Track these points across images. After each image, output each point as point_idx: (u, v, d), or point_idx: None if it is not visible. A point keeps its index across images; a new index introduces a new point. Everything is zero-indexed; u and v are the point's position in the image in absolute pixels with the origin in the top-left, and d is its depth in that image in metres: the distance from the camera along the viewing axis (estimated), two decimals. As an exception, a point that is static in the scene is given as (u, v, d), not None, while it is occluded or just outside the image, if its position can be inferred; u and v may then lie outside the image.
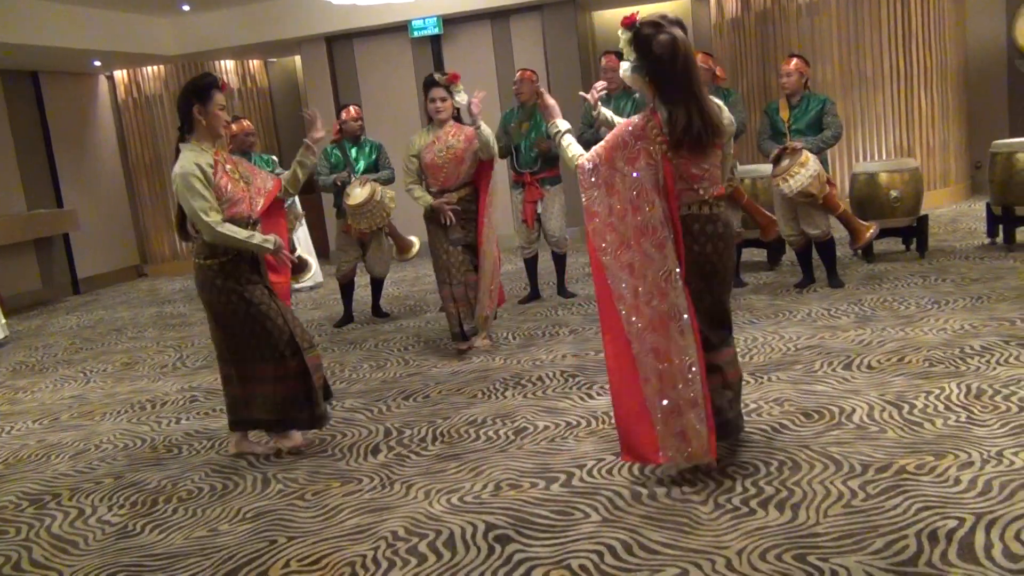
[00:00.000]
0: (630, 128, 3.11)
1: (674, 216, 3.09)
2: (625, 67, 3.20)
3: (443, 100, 5.39)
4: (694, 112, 3.05)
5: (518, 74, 6.80)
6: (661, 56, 3.04)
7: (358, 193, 6.33)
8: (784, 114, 6.16)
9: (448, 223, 5.44)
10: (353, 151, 6.67)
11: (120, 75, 11.76)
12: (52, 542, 3.34)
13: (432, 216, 5.51)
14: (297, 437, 4.09)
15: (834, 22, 9.37)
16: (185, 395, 5.37)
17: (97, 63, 10.94)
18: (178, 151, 3.80)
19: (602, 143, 3.19)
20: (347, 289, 6.98)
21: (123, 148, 12.08)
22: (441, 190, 5.47)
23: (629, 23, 3.14)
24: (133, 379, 5.99)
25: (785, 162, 5.91)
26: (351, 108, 6.88)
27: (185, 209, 3.76)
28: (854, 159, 9.40)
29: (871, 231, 6.14)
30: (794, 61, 6.14)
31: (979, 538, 2.54)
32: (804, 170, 5.78)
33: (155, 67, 11.61)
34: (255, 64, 12.22)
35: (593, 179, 3.16)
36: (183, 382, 5.71)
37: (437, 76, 5.47)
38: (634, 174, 3.08)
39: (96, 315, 9.11)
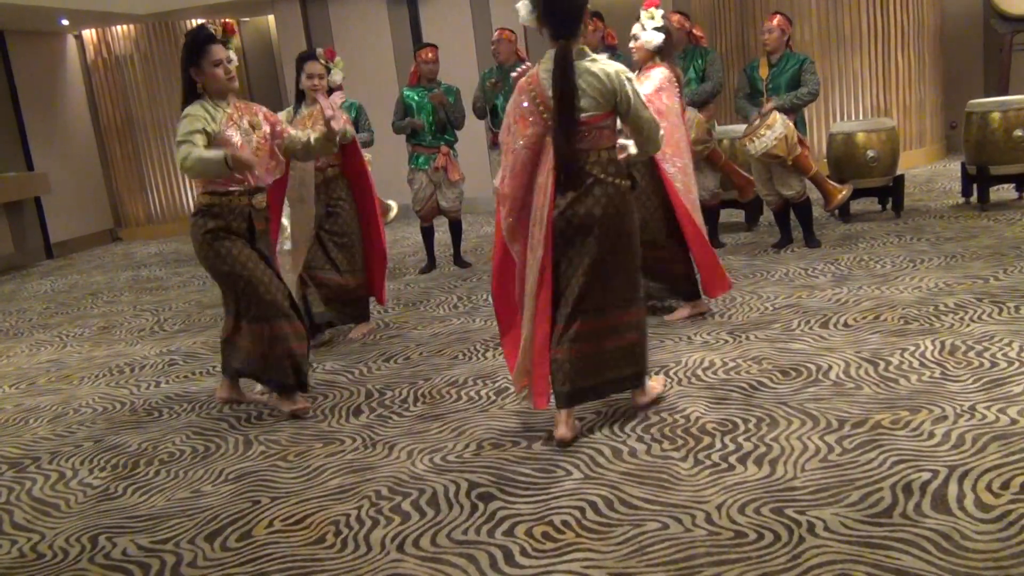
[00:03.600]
0: (666, 76, 4.65)
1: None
2: (656, 36, 4.68)
3: (320, 77, 5.02)
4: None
5: (496, 33, 6.74)
6: (671, 32, 4.79)
7: None
8: (763, 72, 6.14)
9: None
10: None
11: (88, 34, 11.51)
12: (33, 505, 3.34)
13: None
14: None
15: (812, -20, 9.33)
16: (164, 359, 5.34)
17: (65, 21, 10.69)
18: None
19: (649, 89, 4.54)
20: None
21: (94, 110, 11.86)
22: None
23: (653, 5, 4.71)
24: (110, 343, 5.94)
25: (755, 122, 5.91)
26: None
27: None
28: (831, 119, 9.42)
29: (843, 194, 6.18)
30: (776, 18, 6.11)
31: (952, 490, 2.60)
32: (770, 131, 5.78)
33: (124, 26, 11.37)
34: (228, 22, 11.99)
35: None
36: (161, 346, 5.68)
37: (318, 51, 5.10)
38: (667, 101, 4.59)
39: (70, 279, 9.01)
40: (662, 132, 3.42)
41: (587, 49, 3.30)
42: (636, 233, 3.39)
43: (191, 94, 3.76)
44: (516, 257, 3.41)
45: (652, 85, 4.58)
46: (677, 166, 4.61)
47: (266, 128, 3.91)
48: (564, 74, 3.18)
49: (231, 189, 3.77)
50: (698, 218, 4.67)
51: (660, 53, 4.73)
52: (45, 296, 8.17)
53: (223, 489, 3.28)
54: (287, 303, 3.89)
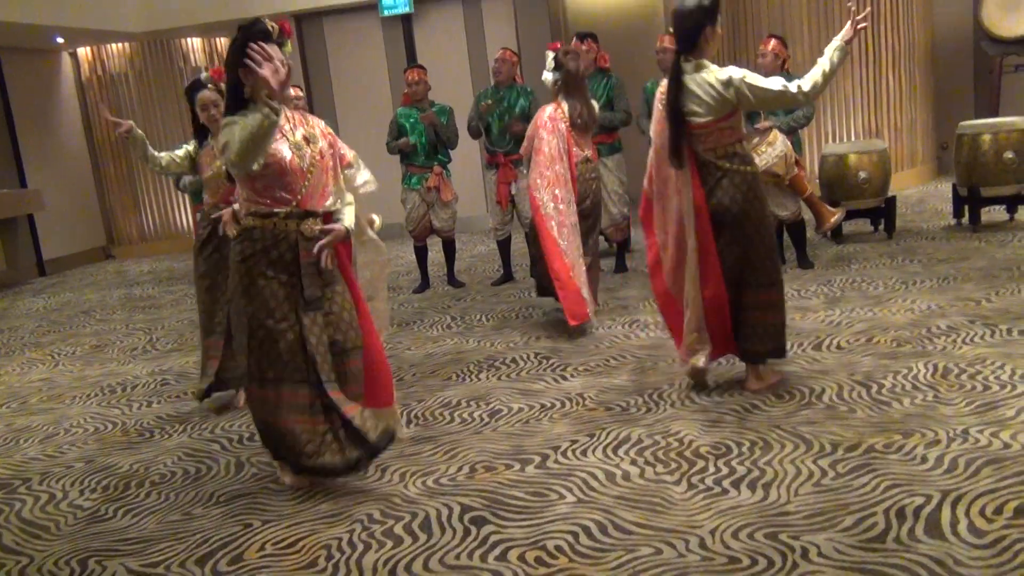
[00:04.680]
0: (549, 114, 5.18)
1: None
2: (548, 75, 5.28)
3: (215, 105, 4.28)
4: (583, 106, 5.21)
5: (499, 53, 6.75)
6: (569, 71, 5.19)
7: None
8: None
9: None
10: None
11: (84, 52, 11.52)
12: (22, 527, 3.31)
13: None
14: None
15: (804, 2, 9.41)
16: (156, 378, 5.32)
17: (60, 39, 10.71)
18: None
19: (531, 130, 5.36)
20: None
21: (88, 127, 11.87)
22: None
23: (553, 48, 5.31)
24: (102, 362, 5.92)
25: (755, 140, 5.95)
26: (289, 88, 6.75)
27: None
28: (823, 140, 9.48)
29: (836, 216, 6.20)
30: (772, 42, 6.15)
31: (945, 514, 2.60)
32: (771, 149, 5.82)
33: (120, 44, 11.38)
34: (222, 42, 12.00)
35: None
36: (153, 365, 5.66)
37: (203, 77, 4.37)
38: (545, 136, 5.21)
39: (63, 297, 8.98)
40: (794, 89, 3.68)
41: (707, 62, 3.68)
42: (767, 216, 3.84)
43: (236, 100, 3.15)
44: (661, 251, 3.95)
45: (532, 125, 5.32)
46: (553, 194, 5.09)
47: (323, 144, 3.31)
48: (672, 85, 3.69)
49: (276, 211, 3.19)
50: (567, 245, 5.07)
51: (565, 89, 5.22)
52: (37, 314, 8.14)
53: (214, 511, 3.26)
54: (304, 369, 3.22)
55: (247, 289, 3.20)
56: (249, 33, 3.11)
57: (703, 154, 3.72)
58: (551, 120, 5.19)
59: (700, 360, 3.85)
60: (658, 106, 3.87)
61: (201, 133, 4.52)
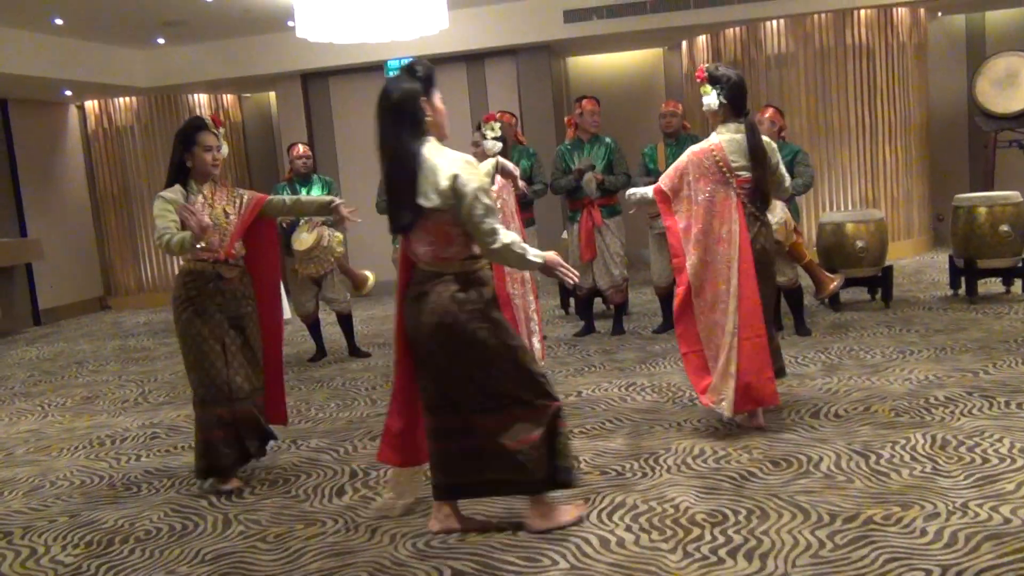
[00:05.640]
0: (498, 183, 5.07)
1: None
2: (498, 144, 5.26)
3: (218, 148, 4.07)
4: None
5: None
6: (507, 137, 5.52)
7: (304, 239, 6.28)
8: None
9: None
10: (304, 190, 6.61)
11: (91, 105, 11.68)
12: (2, 583, 3.24)
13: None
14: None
15: (802, 75, 9.59)
16: (146, 431, 5.26)
17: (68, 92, 10.86)
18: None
19: (495, 185, 4.98)
20: (314, 327, 6.93)
21: (91, 179, 11.96)
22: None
23: (491, 118, 5.46)
24: (93, 414, 5.85)
25: None
26: (299, 146, 6.81)
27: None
28: (821, 209, 9.56)
29: (835, 283, 6.23)
30: (769, 111, 6.25)
31: (946, 591, 2.55)
32: (771, 216, 5.85)
33: (127, 98, 11.54)
34: (229, 99, 12.20)
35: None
36: (144, 418, 5.60)
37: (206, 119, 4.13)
38: (505, 196, 5.02)
39: (57, 347, 8.93)
40: (788, 180, 4.39)
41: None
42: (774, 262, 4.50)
43: (418, 130, 3.20)
44: (698, 295, 4.18)
45: (495, 184, 5.37)
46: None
47: None
48: (759, 138, 4.14)
49: (476, 252, 3.19)
50: (520, 300, 5.21)
51: (504, 154, 5.34)
52: (30, 364, 8.08)
53: (199, 571, 3.18)
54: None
55: (482, 351, 3.13)
56: (429, 69, 3.36)
57: (748, 205, 4.14)
58: (506, 183, 5.42)
59: (723, 405, 4.10)
60: (704, 162, 4.15)
61: (183, 177, 4.03)
